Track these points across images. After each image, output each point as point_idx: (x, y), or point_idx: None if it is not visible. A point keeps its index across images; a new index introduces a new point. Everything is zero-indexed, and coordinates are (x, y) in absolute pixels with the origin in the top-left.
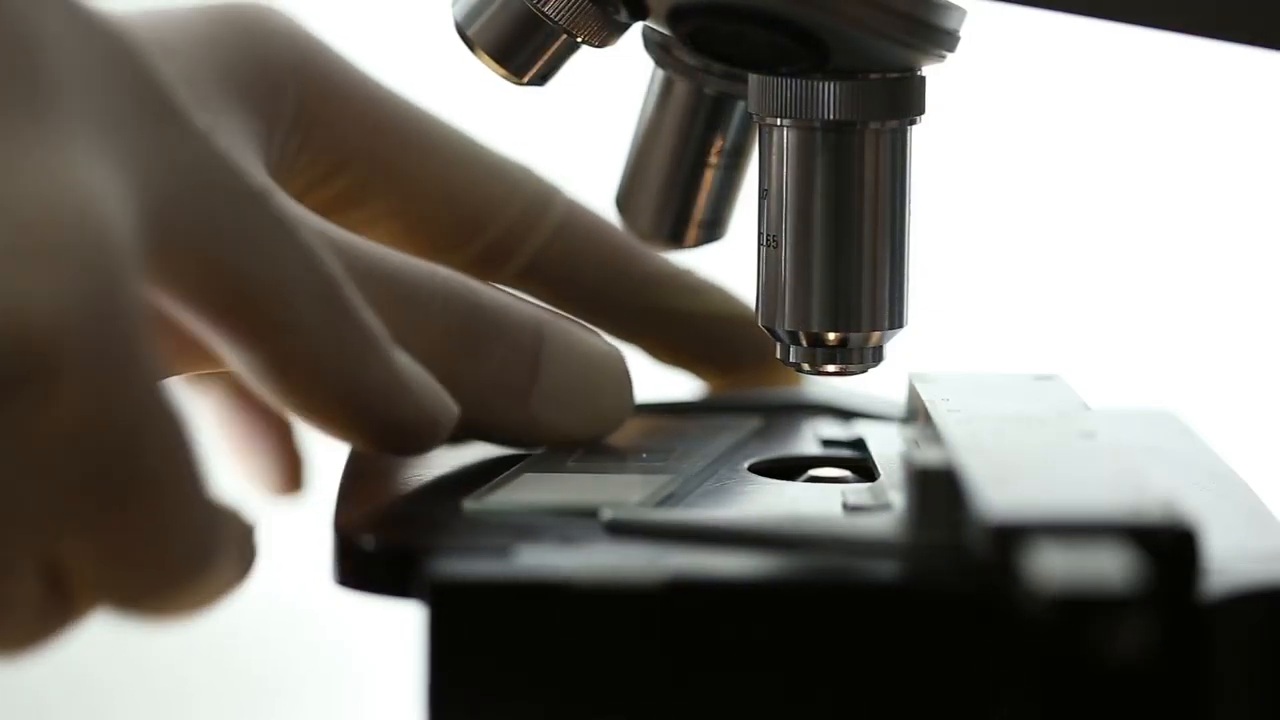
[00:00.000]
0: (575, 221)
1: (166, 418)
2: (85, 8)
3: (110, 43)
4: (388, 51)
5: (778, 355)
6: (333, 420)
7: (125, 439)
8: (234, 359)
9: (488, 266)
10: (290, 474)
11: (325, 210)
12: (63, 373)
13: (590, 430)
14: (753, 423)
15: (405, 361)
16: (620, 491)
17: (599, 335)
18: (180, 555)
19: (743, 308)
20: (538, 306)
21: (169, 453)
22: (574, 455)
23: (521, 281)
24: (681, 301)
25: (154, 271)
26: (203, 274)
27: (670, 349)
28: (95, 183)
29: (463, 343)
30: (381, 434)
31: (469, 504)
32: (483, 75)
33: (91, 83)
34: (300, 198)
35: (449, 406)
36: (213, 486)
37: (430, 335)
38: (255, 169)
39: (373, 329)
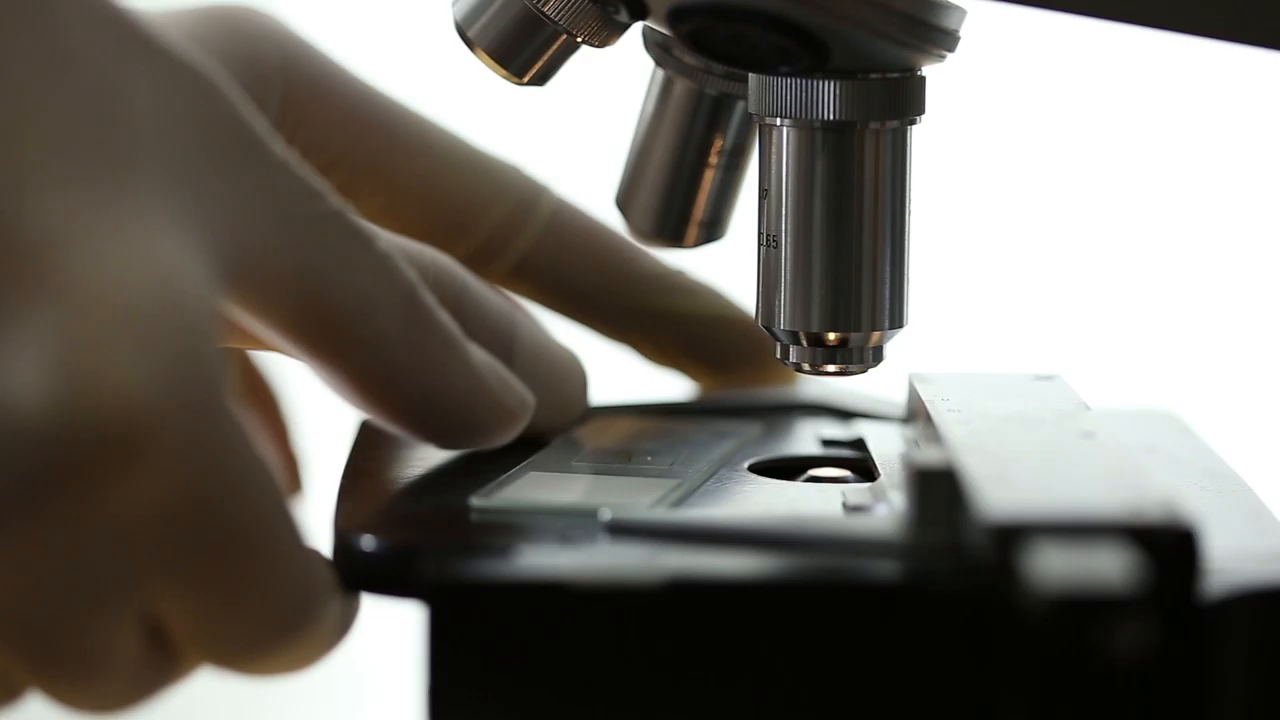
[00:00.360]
0: (565, 220)
1: (258, 474)
2: (163, 44)
3: (188, 79)
4: (388, 52)
5: (778, 355)
6: (413, 425)
7: (220, 500)
8: (315, 372)
9: (477, 264)
10: (289, 474)
11: None
12: (159, 443)
13: (554, 422)
14: (754, 428)
15: (481, 358)
16: (628, 493)
17: (555, 338)
18: (279, 609)
19: (733, 309)
20: (509, 301)
21: (262, 509)
22: (577, 455)
23: (511, 280)
24: (672, 301)
25: (238, 301)
26: (287, 299)
27: (660, 349)
28: (176, 248)
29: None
30: (461, 433)
31: (476, 501)
32: (482, 75)
33: (171, 124)
34: None
35: (525, 399)
36: (310, 542)
37: None
38: None
39: (450, 331)
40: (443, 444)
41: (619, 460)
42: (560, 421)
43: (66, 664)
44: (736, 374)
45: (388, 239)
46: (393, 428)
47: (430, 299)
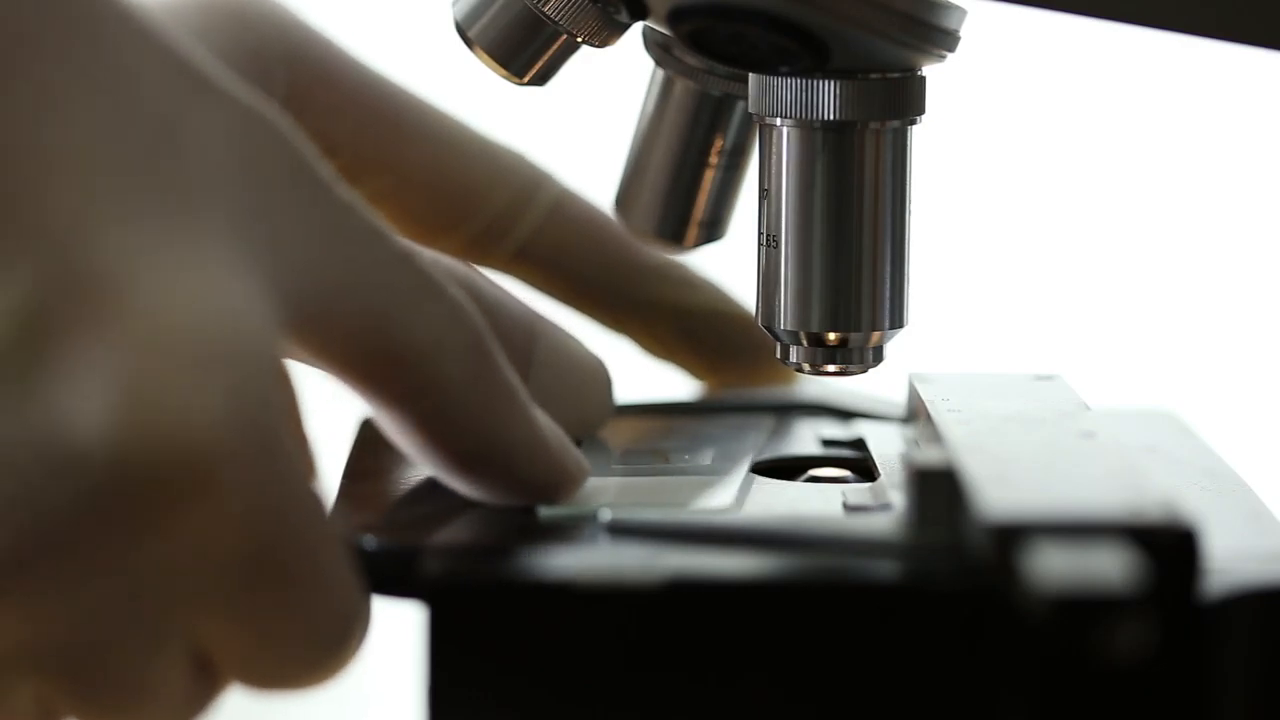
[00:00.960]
0: (567, 208)
1: (311, 508)
2: (226, 87)
3: (252, 121)
4: (387, 52)
5: (778, 355)
6: (470, 475)
7: (276, 535)
8: (377, 414)
9: (479, 250)
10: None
11: None
12: (219, 478)
13: (573, 431)
14: (768, 421)
15: (544, 419)
16: (696, 495)
17: (585, 345)
18: (323, 635)
19: (733, 305)
20: (529, 306)
21: (313, 542)
22: (611, 458)
23: (513, 266)
24: (673, 294)
25: (301, 341)
26: (351, 341)
27: (659, 341)
28: (240, 286)
29: None
30: (517, 490)
31: (545, 511)
32: (482, 75)
33: (236, 165)
34: None
35: (582, 463)
36: (350, 566)
37: None
38: None
39: (514, 386)
40: (497, 498)
41: (656, 460)
42: (580, 430)
43: (113, 695)
44: (733, 370)
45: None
46: (450, 478)
47: (496, 347)
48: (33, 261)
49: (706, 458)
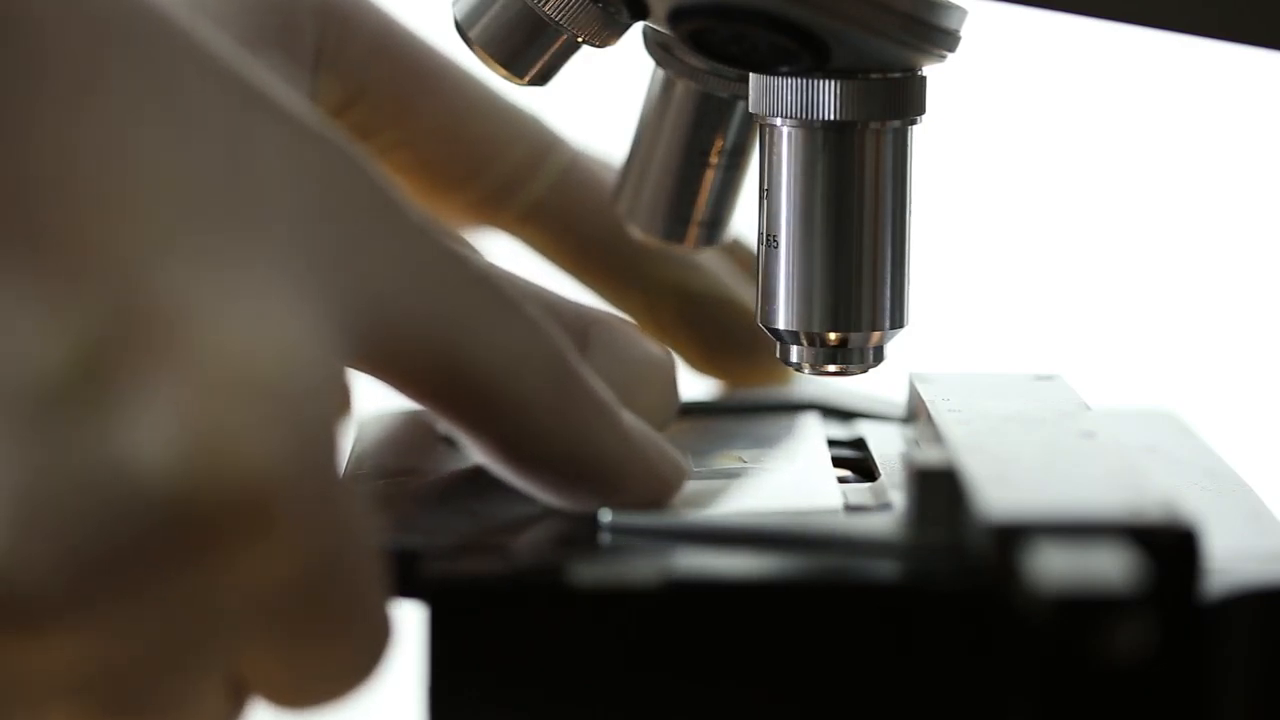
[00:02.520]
0: (579, 173)
1: (367, 549)
2: (287, 105)
3: (315, 141)
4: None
5: (778, 355)
6: (562, 491)
7: (331, 575)
8: (463, 442)
9: (489, 208)
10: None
11: None
12: (281, 518)
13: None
14: (812, 418)
15: (635, 425)
16: (807, 497)
17: (649, 340)
18: (359, 665)
19: (732, 292)
20: (588, 307)
21: (366, 584)
22: (690, 464)
23: (521, 226)
24: (676, 275)
25: (374, 367)
26: (426, 365)
27: (659, 322)
28: (305, 317)
29: None
30: (612, 500)
31: (610, 517)
32: (483, 74)
33: (301, 188)
34: None
35: (680, 466)
36: (389, 599)
37: None
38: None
39: (601, 397)
40: (591, 509)
41: (732, 462)
42: (646, 422)
43: (147, 717)
44: (729, 361)
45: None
46: (543, 497)
47: (579, 362)
48: (97, 295)
49: (783, 459)
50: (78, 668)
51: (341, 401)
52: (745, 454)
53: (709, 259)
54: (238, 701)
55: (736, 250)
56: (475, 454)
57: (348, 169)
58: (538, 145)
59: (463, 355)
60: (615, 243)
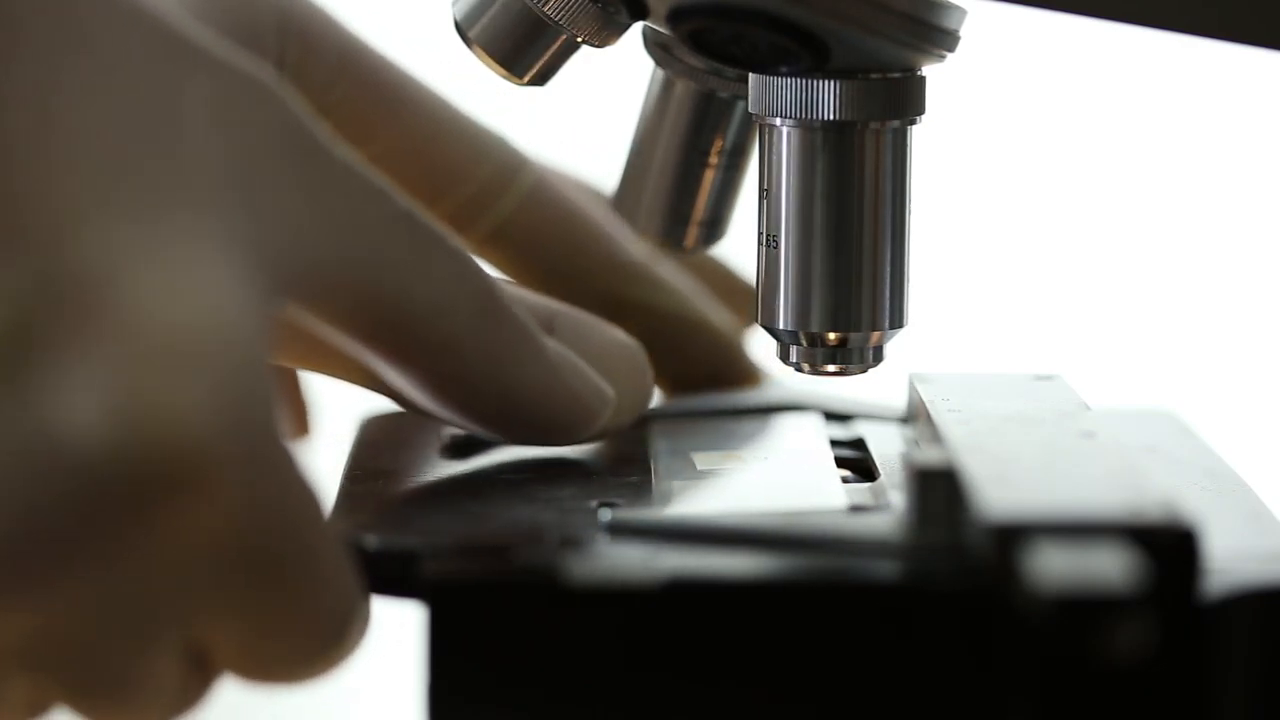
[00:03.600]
0: (543, 194)
1: (306, 501)
2: (213, 51)
3: (242, 85)
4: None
5: (778, 355)
6: (489, 424)
7: (271, 530)
8: (388, 376)
9: (454, 229)
10: (297, 419)
11: None
12: (212, 476)
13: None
14: (812, 420)
15: (559, 353)
16: (806, 496)
17: (615, 328)
18: (320, 630)
19: (698, 313)
20: (555, 300)
21: (309, 535)
22: (689, 462)
23: (486, 248)
24: (636, 293)
25: (305, 308)
26: (355, 304)
27: None
28: (230, 271)
29: None
30: (539, 432)
31: (610, 515)
32: (482, 74)
33: (226, 135)
34: None
35: (604, 392)
36: (347, 559)
37: None
38: None
39: (527, 327)
40: (519, 442)
41: (731, 461)
42: (617, 413)
43: (106, 689)
44: (694, 380)
45: None
46: (468, 427)
47: (506, 294)
48: (20, 263)
49: (784, 457)
50: (25, 638)
51: (271, 354)
52: (746, 454)
53: (678, 279)
54: (202, 674)
55: (706, 267)
56: (407, 393)
57: (274, 111)
58: (503, 167)
59: (389, 292)
60: (577, 265)
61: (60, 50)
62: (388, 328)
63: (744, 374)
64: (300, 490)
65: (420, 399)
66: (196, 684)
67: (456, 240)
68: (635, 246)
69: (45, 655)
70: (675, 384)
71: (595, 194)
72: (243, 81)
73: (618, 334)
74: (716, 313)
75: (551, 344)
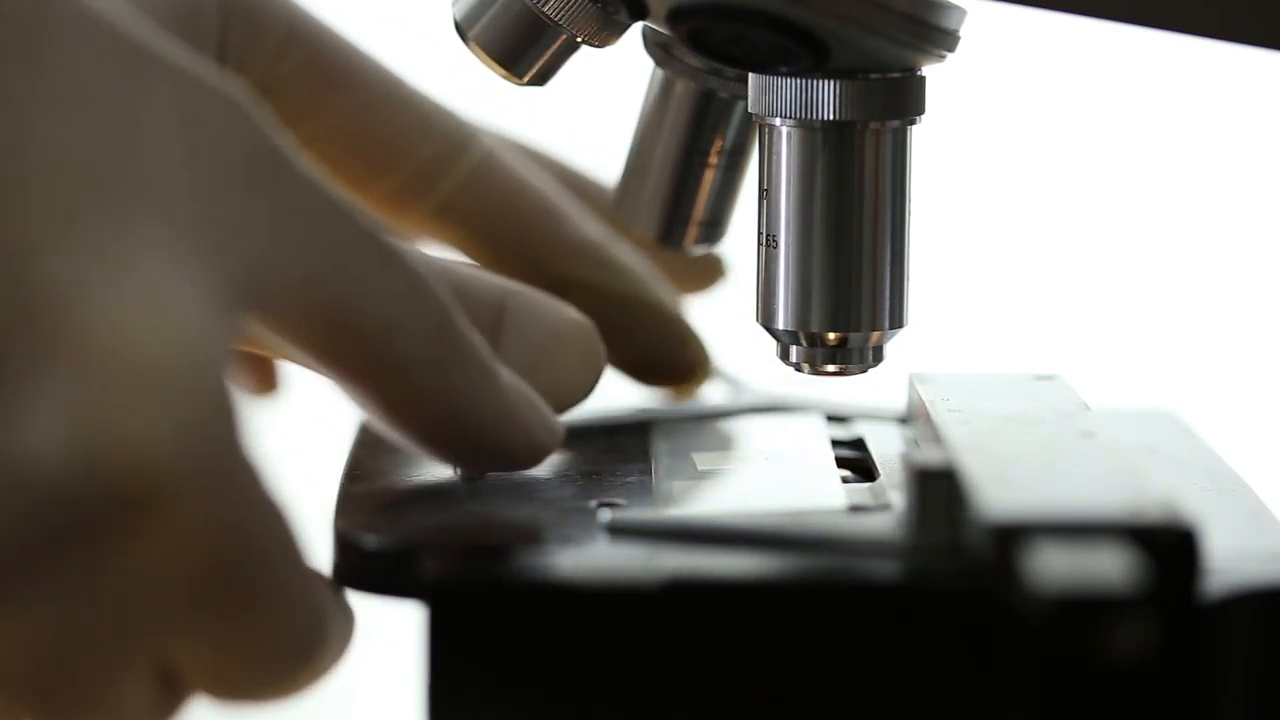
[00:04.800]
0: (492, 170)
1: (271, 518)
2: (178, 64)
3: (206, 99)
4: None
5: (777, 355)
6: (438, 448)
7: (236, 549)
8: (343, 391)
9: (401, 204)
10: (264, 377)
11: None
12: (175, 497)
13: (557, 399)
14: (816, 417)
15: (513, 385)
16: (806, 497)
17: (568, 307)
18: (293, 647)
19: (650, 293)
20: (501, 279)
21: (276, 553)
22: (691, 463)
23: (432, 225)
24: (588, 274)
25: (265, 323)
26: (313, 321)
27: None
28: (190, 290)
29: None
30: (487, 459)
31: (611, 516)
32: (482, 74)
33: (189, 150)
34: None
35: (554, 428)
36: (315, 569)
37: None
38: None
39: (482, 357)
40: (467, 467)
41: (733, 462)
42: (559, 400)
43: (77, 709)
44: (642, 361)
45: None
46: (419, 449)
47: (463, 321)
48: None
49: (784, 457)
50: None
51: (230, 373)
52: (746, 454)
53: (629, 259)
54: (172, 694)
55: (657, 251)
56: (359, 408)
57: (237, 125)
58: (451, 141)
59: (346, 311)
60: (524, 242)
61: (23, 64)
62: (343, 346)
63: (692, 358)
64: (266, 508)
65: (376, 418)
66: (167, 704)
67: (418, 263)
68: (588, 224)
69: (13, 674)
70: (623, 365)
71: (556, 164)
72: (208, 95)
73: (570, 312)
74: (668, 295)
75: (505, 373)
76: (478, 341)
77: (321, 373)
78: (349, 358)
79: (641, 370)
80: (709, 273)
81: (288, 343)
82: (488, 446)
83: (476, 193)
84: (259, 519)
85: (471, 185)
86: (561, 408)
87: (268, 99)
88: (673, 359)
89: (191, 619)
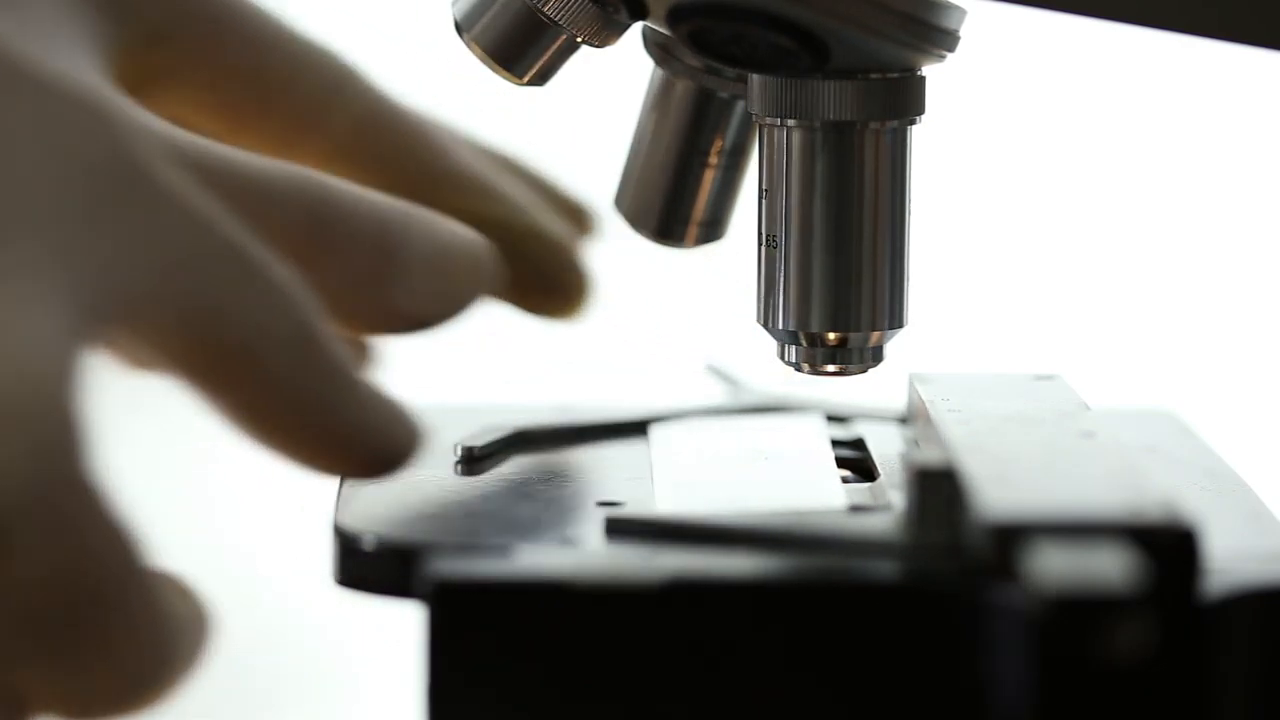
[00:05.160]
0: (377, 109)
1: (115, 546)
2: (43, 77)
3: (70, 113)
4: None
5: (777, 355)
6: (302, 458)
7: (79, 578)
8: (206, 405)
9: (286, 145)
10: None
11: (136, 87)
12: (14, 534)
13: (444, 312)
14: (816, 417)
15: (373, 394)
16: (808, 497)
17: (460, 224)
18: (138, 668)
19: (536, 224)
20: (389, 200)
21: (121, 578)
22: (692, 463)
23: (323, 163)
24: (476, 205)
25: (125, 334)
26: (172, 335)
27: None
28: (34, 316)
29: (313, 234)
30: (351, 467)
31: (613, 515)
32: (482, 74)
33: (48, 168)
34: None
35: (414, 431)
36: (167, 583)
37: (282, 228)
38: (92, 70)
39: (343, 366)
40: (329, 475)
41: (735, 463)
42: (449, 311)
43: None
44: (527, 288)
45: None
46: (281, 460)
47: (325, 331)
48: None
49: (784, 457)
50: None
51: (81, 416)
52: (746, 454)
53: (512, 188)
54: (20, 713)
55: (537, 180)
56: (222, 421)
57: (99, 138)
58: (329, 80)
59: (206, 324)
60: (411, 176)
61: None
62: (203, 358)
63: (574, 281)
64: (107, 536)
65: (237, 430)
66: None
67: (283, 272)
68: (472, 157)
69: None
70: (510, 290)
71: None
72: (69, 108)
73: (460, 229)
74: (551, 222)
75: (363, 383)
76: (339, 351)
77: (185, 386)
78: (210, 371)
79: (524, 295)
80: (583, 223)
81: (152, 357)
82: (350, 454)
83: (365, 134)
84: (100, 548)
85: (360, 127)
86: (450, 319)
87: (164, 45)
88: (555, 281)
89: (34, 647)
